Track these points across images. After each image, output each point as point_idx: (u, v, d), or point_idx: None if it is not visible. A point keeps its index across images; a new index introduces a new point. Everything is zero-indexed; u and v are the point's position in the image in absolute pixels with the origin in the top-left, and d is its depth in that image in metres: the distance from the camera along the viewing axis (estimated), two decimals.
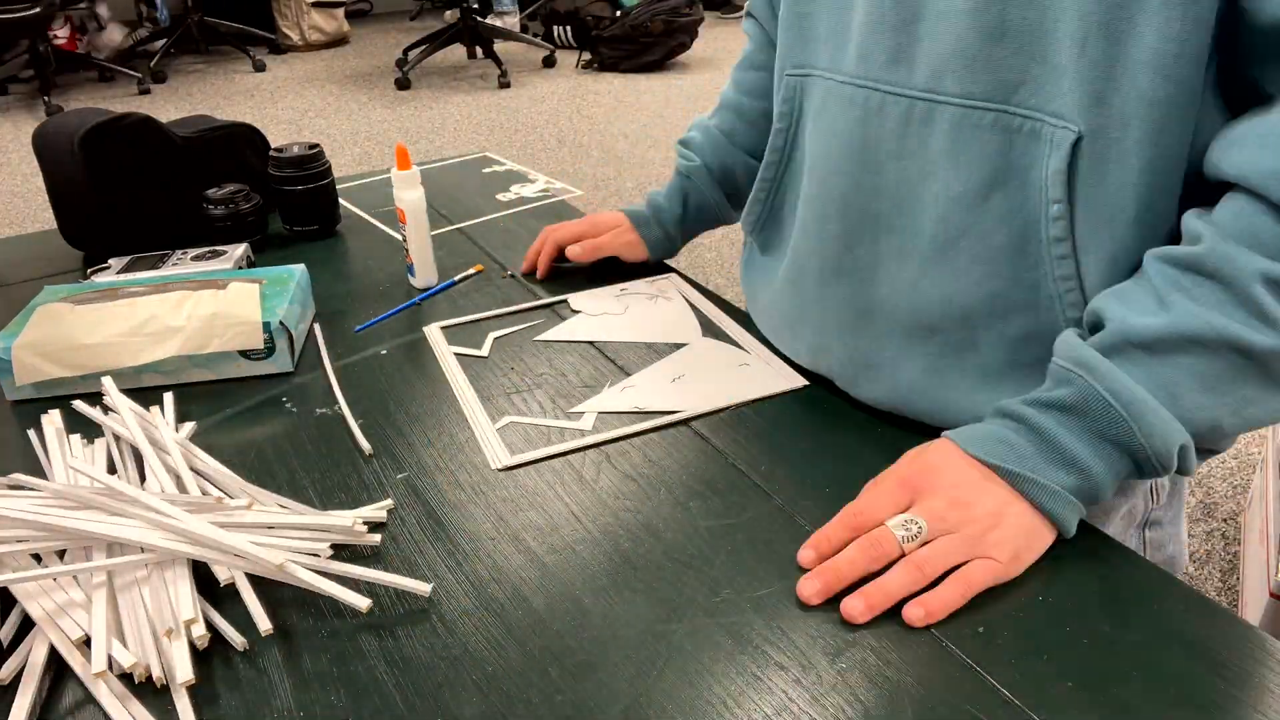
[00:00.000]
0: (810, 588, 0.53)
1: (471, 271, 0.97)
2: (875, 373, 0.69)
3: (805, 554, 0.56)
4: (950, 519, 0.54)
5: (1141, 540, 0.72)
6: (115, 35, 4.70)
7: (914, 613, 0.51)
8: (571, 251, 0.95)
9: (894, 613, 0.52)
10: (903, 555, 0.54)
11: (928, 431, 0.68)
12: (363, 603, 0.53)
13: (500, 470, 0.66)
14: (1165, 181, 0.56)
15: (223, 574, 0.55)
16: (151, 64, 4.43)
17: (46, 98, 3.91)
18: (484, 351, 0.82)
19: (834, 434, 0.69)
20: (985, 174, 0.60)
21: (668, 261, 0.98)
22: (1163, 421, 0.52)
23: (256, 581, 0.56)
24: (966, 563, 0.53)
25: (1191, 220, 0.56)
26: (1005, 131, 0.59)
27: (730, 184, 0.93)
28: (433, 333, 0.86)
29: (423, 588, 0.55)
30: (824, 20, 0.69)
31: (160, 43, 4.67)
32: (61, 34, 4.44)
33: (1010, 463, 0.54)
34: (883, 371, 0.69)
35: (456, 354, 0.82)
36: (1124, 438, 0.53)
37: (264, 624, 0.53)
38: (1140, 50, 0.53)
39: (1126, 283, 0.57)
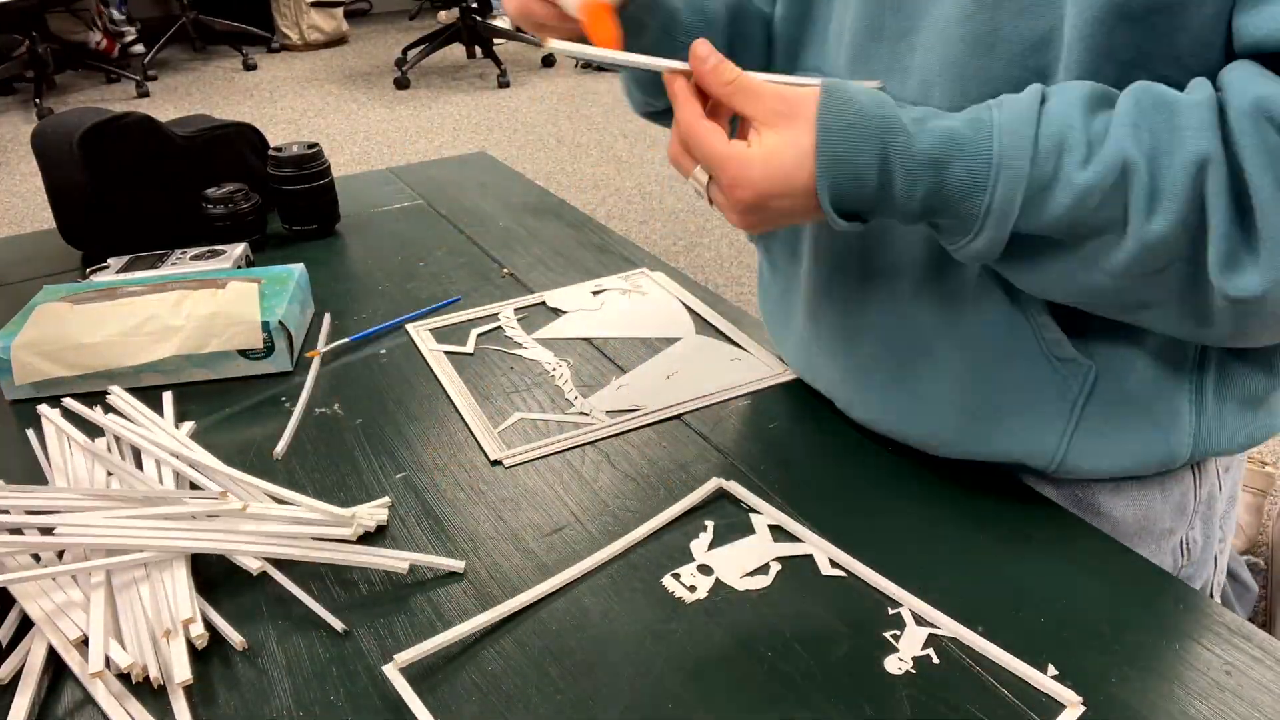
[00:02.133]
0: None
1: None
2: (865, 395, 0.66)
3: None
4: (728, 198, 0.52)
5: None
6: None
7: None
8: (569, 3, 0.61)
9: (892, 614, 0.53)
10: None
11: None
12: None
13: (500, 468, 0.66)
14: None
15: (253, 565, 0.56)
16: (145, 61, 4.41)
17: (38, 100, 3.87)
18: (469, 348, 0.82)
19: (834, 433, 0.69)
20: None
21: (649, 254, 0.98)
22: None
23: (256, 580, 0.55)
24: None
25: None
26: None
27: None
28: (420, 332, 0.85)
29: (456, 565, 0.57)
30: (819, 23, 0.65)
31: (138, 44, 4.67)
32: (95, 37, 4.46)
33: (848, 204, 0.51)
34: (872, 394, 0.66)
35: (446, 352, 0.82)
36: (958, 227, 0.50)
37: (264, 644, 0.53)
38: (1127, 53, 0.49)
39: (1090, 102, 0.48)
